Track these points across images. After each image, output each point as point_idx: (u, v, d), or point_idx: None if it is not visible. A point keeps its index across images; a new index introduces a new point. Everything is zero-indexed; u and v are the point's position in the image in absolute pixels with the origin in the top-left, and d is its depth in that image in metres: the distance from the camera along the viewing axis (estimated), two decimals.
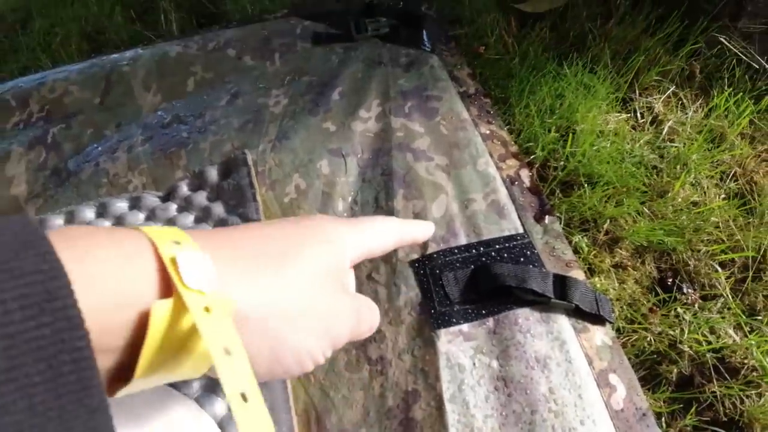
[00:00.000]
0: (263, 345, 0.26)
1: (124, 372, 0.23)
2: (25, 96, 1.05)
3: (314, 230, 0.30)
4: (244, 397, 0.22)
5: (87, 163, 0.91)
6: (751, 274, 0.79)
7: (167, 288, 0.22)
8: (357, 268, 0.65)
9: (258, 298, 0.25)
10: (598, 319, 0.63)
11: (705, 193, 0.86)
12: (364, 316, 0.32)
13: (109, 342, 0.21)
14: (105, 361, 0.22)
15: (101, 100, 0.99)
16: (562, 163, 0.81)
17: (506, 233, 0.67)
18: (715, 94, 0.99)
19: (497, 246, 0.65)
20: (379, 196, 0.72)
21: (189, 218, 0.75)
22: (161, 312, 0.22)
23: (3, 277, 0.18)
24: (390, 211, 0.69)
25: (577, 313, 0.63)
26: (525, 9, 1.06)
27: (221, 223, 0.72)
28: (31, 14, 1.44)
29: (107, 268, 0.21)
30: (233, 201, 0.74)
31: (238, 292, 0.25)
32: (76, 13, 1.32)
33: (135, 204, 0.81)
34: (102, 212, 0.81)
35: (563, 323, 0.62)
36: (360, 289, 0.65)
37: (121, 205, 0.81)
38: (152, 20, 1.21)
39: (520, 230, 0.68)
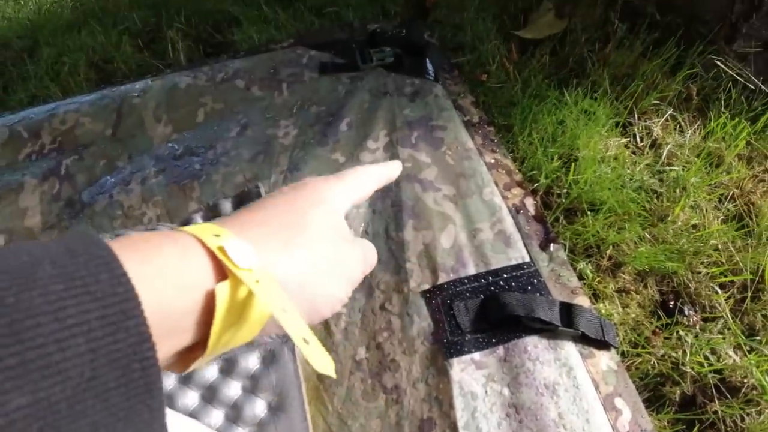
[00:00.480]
0: (303, 301, 0.31)
1: (196, 349, 0.28)
2: (37, 127, 1.08)
3: (311, 194, 0.35)
4: (305, 341, 0.28)
5: (101, 195, 0.94)
6: (750, 294, 0.83)
7: (221, 272, 0.27)
8: (370, 299, 0.69)
9: (290, 265, 0.31)
10: (603, 345, 0.67)
11: (704, 215, 0.90)
12: (368, 256, 0.37)
13: (180, 324, 0.26)
14: (180, 341, 0.26)
15: (113, 132, 1.02)
16: (565, 190, 0.84)
17: (513, 262, 0.71)
18: (712, 116, 1.03)
19: (505, 275, 0.69)
20: (389, 227, 0.76)
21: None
22: (224, 291, 0.26)
23: (86, 299, 0.21)
24: (401, 242, 0.73)
25: (583, 340, 0.66)
26: (524, 35, 1.10)
27: None
28: (38, 42, 1.48)
29: (169, 263, 0.26)
30: None
31: (275, 264, 0.30)
32: (84, 42, 1.36)
33: None
34: None
35: (570, 350, 0.65)
36: (373, 319, 0.68)
37: None
38: (160, 49, 1.25)
39: (527, 259, 0.72)
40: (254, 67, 1.03)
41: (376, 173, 0.40)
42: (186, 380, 0.67)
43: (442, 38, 1.09)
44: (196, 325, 0.27)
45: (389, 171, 0.43)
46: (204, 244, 0.27)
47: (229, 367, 0.68)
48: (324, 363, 0.29)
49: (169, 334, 0.26)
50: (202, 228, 0.29)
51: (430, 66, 0.99)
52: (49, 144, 1.06)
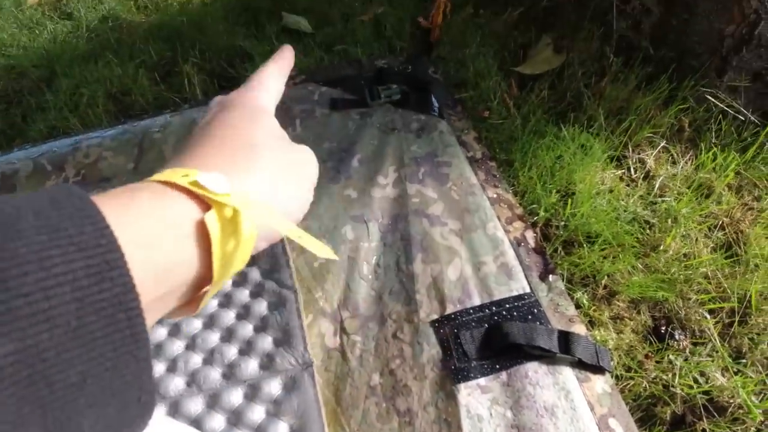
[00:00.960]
0: (278, 209, 0.34)
1: (202, 285, 0.30)
2: (61, 161, 1.16)
3: (243, 111, 0.37)
4: (299, 236, 0.31)
5: None
6: (737, 319, 0.89)
7: (202, 205, 0.29)
8: (383, 328, 0.76)
9: (256, 183, 0.33)
10: (598, 369, 0.74)
11: (694, 244, 0.97)
12: (312, 155, 0.40)
13: (176, 260, 0.28)
14: (181, 278, 0.28)
15: (135, 166, 1.10)
16: (563, 223, 0.92)
17: (515, 293, 0.78)
18: (703, 148, 1.10)
19: (507, 305, 0.76)
20: (399, 260, 0.83)
21: (227, 282, 0.86)
22: (213, 218, 0.28)
23: (71, 249, 0.22)
24: (411, 275, 0.80)
25: (579, 365, 0.73)
26: (524, 71, 1.18)
27: (258, 287, 0.83)
28: (55, 72, 1.55)
29: (151, 207, 0.28)
30: (268, 266, 0.84)
31: (243, 184, 0.32)
32: (101, 74, 1.43)
33: None
34: None
35: (568, 374, 0.72)
36: (386, 347, 0.75)
37: None
38: (176, 83, 1.32)
39: (527, 289, 0.79)
40: None
41: (277, 69, 0.42)
42: (213, 404, 0.74)
43: (446, 74, 1.17)
44: (193, 259, 0.28)
45: (284, 58, 0.43)
46: (177, 185, 0.29)
47: (253, 392, 0.74)
48: (322, 248, 0.33)
49: (166, 274, 0.27)
50: (169, 174, 0.30)
51: (435, 102, 1.06)
52: (73, 177, 1.13)
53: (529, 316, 0.76)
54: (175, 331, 0.80)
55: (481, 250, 0.82)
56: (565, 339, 0.73)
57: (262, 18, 1.45)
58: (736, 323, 0.89)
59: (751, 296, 0.90)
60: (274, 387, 0.74)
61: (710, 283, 0.92)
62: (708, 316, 0.89)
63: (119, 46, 1.54)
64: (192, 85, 1.29)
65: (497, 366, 0.72)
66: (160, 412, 0.70)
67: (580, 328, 0.77)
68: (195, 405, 0.73)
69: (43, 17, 1.88)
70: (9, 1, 2.07)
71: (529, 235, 0.86)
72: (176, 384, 0.74)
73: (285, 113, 1.09)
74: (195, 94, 1.27)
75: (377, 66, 1.16)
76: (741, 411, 0.81)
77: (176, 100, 1.27)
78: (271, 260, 0.84)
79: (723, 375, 0.85)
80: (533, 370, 0.71)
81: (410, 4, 1.38)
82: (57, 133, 1.35)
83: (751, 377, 0.83)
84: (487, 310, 0.76)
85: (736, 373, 0.84)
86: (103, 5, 1.79)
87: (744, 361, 0.86)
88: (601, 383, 0.73)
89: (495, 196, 0.91)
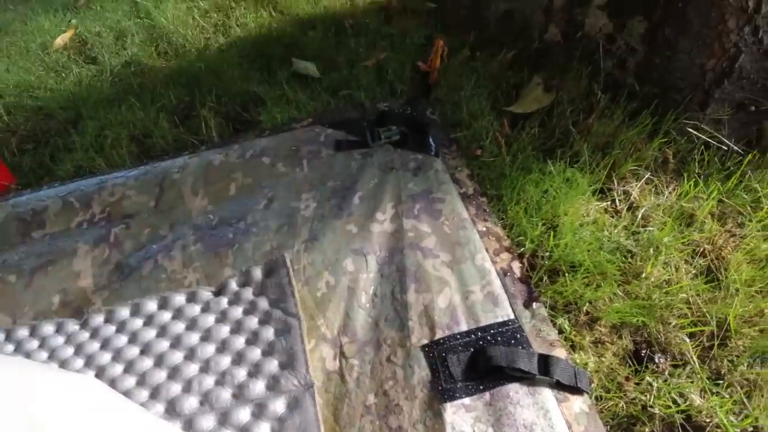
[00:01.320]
0: None
1: None
2: (88, 198, 1.26)
3: None
4: None
5: (147, 260, 1.11)
6: (716, 342, 0.95)
7: None
8: (379, 352, 0.83)
9: None
10: (576, 390, 0.81)
11: (676, 271, 1.03)
12: None
13: None
14: None
15: (156, 204, 1.20)
16: (548, 253, 0.99)
17: (500, 319, 0.86)
18: (686, 177, 1.17)
19: (492, 331, 0.84)
20: (395, 289, 0.91)
21: (238, 311, 0.95)
22: None
23: None
24: (404, 303, 0.88)
25: (558, 386, 0.80)
26: (515, 110, 1.27)
27: (266, 315, 0.91)
28: (81, 114, 1.67)
29: None
30: (275, 296, 0.93)
31: None
32: (124, 117, 1.55)
33: (191, 298, 1.01)
34: (163, 305, 1.01)
35: (547, 395, 0.79)
36: (381, 370, 0.83)
37: (179, 299, 1.01)
38: (194, 125, 1.44)
39: (512, 316, 0.86)
40: (278, 145, 1.21)
41: None
42: (223, 421, 0.82)
43: (442, 115, 1.26)
44: None
45: None
46: None
47: (259, 411, 0.82)
48: None
49: None
50: None
51: (432, 142, 1.15)
52: (99, 213, 1.23)
53: (512, 341, 0.83)
54: (190, 355, 0.89)
55: (470, 280, 0.90)
56: (545, 362, 0.80)
57: (274, 64, 1.56)
58: (715, 346, 0.95)
59: (729, 320, 0.96)
60: (278, 406, 0.82)
61: (690, 308, 0.98)
62: (687, 340, 0.95)
63: (141, 91, 1.66)
64: (209, 127, 1.40)
65: (481, 387, 0.79)
66: (175, 427, 0.79)
67: (560, 352, 0.84)
68: (207, 422, 0.81)
69: (68, 61, 2.02)
70: (35, 45, 2.23)
71: (516, 266, 0.94)
72: (190, 403, 0.83)
73: (294, 154, 1.19)
74: (211, 136, 1.38)
75: (379, 109, 1.26)
76: (719, 430, 0.87)
77: (194, 142, 1.38)
78: (278, 290, 0.93)
79: (701, 396, 0.90)
80: (514, 390, 0.78)
81: (411, 49, 1.49)
82: (84, 172, 1.46)
83: (728, 397, 0.89)
84: (473, 336, 0.83)
85: (714, 394, 0.90)
86: (125, 51, 1.93)
87: (722, 382, 0.92)
88: (579, 403, 0.80)
89: (484, 229, 0.99)
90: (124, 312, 1.02)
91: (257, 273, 0.97)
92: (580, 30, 1.37)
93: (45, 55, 2.15)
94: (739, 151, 1.24)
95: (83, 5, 2.52)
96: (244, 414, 0.81)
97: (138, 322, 0.98)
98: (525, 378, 0.79)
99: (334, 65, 1.50)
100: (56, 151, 1.60)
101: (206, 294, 1.00)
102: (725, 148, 1.24)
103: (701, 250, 1.08)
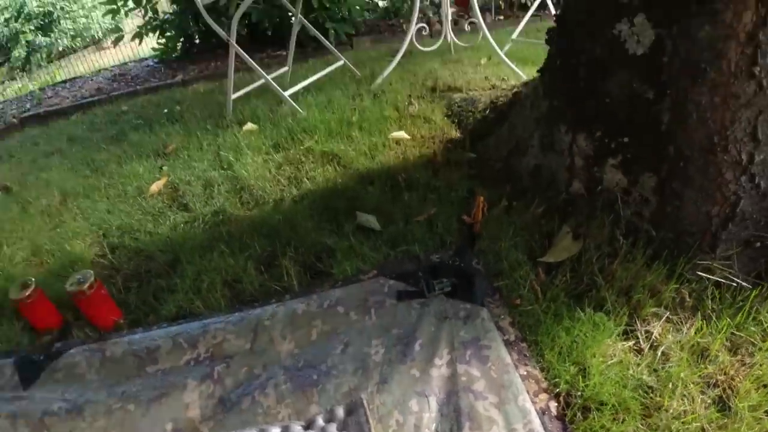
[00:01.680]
0: None
1: None
2: (194, 340, 1.54)
3: None
4: None
5: (245, 396, 1.35)
6: None
7: None
8: None
9: None
10: None
11: (692, 402, 1.21)
12: None
13: None
14: None
15: (251, 347, 1.46)
16: (580, 392, 1.19)
17: None
18: (701, 315, 1.37)
19: None
20: (452, 427, 1.12)
21: None
22: None
23: None
24: None
25: None
26: (548, 260, 1.50)
27: None
28: (179, 258, 1.98)
29: None
30: None
31: None
32: (217, 264, 1.86)
33: (285, 431, 1.24)
34: None
35: None
36: None
37: (275, 431, 1.24)
38: (276, 273, 1.72)
39: None
40: (350, 296, 1.47)
41: None
42: None
43: (486, 264, 1.51)
44: None
45: None
46: None
47: None
48: None
49: None
50: None
51: (478, 292, 1.40)
52: (204, 353, 1.50)
53: None
54: None
55: (514, 419, 1.11)
56: None
57: (340, 217, 1.87)
58: None
59: None
60: None
61: None
62: None
63: (230, 239, 1.98)
64: (289, 275, 1.68)
65: None
66: None
67: None
68: None
69: (163, 206, 2.38)
70: (132, 188, 2.62)
71: (552, 405, 1.14)
72: None
73: (362, 303, 1.45)
74: (292, 284, 1.66)
75: (432, 261, 1.52)
76: None
77: (277, 289, 1.66)
78: (358, 427, 1.16)
79: None
80: None
81: (456, 203, 1.77)
82: (185, 312, 1.74)
83: None
84: None
85: None
86: (213, 200, 2.27)
87: None
88: None
89: (525, 373, 1.20)
90: None
91: (340, 412, 1.20)
92: (600, 184, 1.63)
93: (142, 199, 2.51)
94: (748, 286, 1.43)
95: (171, 152, 2.95)
96: None
97: None
98: None
99: (392, 219, 1.79)
100: (159, 291, 1.88)
101: (297, 429, 1.23)
102: (735, 284, 1.43)
103: (714, 381, 1.26)
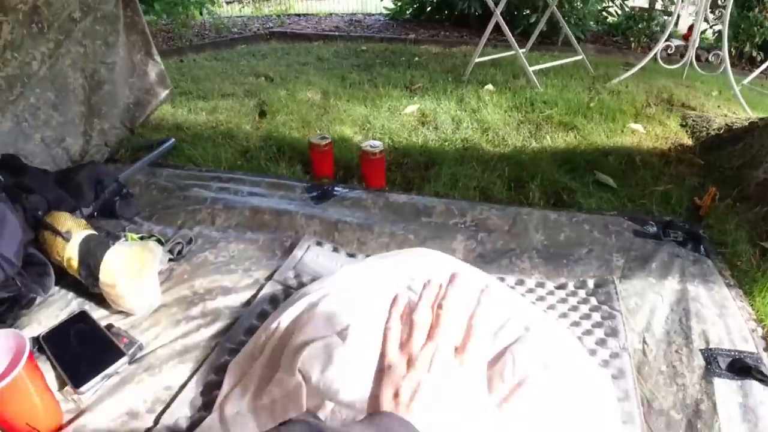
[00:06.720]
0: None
1: None
2: (464, 211, 2.01)
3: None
4: None
5: (503, 257, 1.80)
6: None
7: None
8: (669, 347, 1.43)
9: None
10: None
11: None
12: None
13: None
14: None
15: (509, 229, 1.91)
16: None
17: (747, 350, 1.41)
18: None
19: (742, 355, 1.40)
20: (681, 318, 1.51)
21: (574, 300, 1.59)
22: None
23: None
24: (688, 327, 1.47)
25: None
26: (766, 245, 1.84)
27: (595, 307, 1.55)
28: (434, 161, 2.48)
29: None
30: (603, 298, 1.56)
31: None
32: (470, 173, 2.33)
33: (540, 284, 1.67)
34: (519, 283, 1.68)
35: None
36: (671, 355, 1.42)
37: (530, 282, 1.67)
38: (524, 192, 2.17)
39: (754, 351, 1.42)
40: (594, 220, 1.88)
41: None
42: None
43: (710, 237, 1.87)
44: None
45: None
46: None
47: (591, 354, 1.44)
48: None
49: None
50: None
51: (705, 248, 1.77)
52: (470, 222, 1.97)
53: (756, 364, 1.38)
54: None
55: (732, 326, 1.47)
56: None
57: (580, 170, 2.29)
58: None
59: None
60: (604, 354, 1.43)
61: None
62: None
63: (479, 161, 2.45)
64: (534, 197, 2.12)
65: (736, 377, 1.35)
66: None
67: None
68: None
69: (417, 124, 2.87)
70: (387, 105, 3.14)
71: (759, 329, 1.50)
72: None
73: (605, 228, 1.86)
74: (537, 204, 2.10)
75: (665, 219, 1.91)
76: None
77: (524, 203, 2.10)
78: (606, 295, 1.57)
79: None
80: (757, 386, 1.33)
81: (689, 187, 2.14)
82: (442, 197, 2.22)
83: None
84: (734, 353, 1.40)
85: None
86: (460, 131, 2.75)
87: None
88: None
89: (740, 305, 1.56)
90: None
91: (590, 283, 1.62)
92: None
93: (398, 115, 3.01)
94: None
95: (417, 90, 3.47)
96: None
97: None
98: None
99: (628, 184, 2.19)
100: (416, 180, 2.37)
101: (550, 285, 1.65)
102: None
103: None
